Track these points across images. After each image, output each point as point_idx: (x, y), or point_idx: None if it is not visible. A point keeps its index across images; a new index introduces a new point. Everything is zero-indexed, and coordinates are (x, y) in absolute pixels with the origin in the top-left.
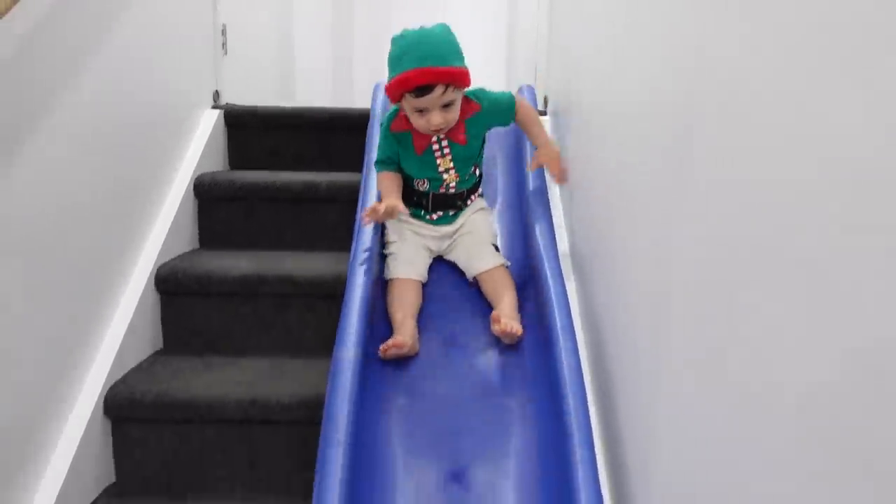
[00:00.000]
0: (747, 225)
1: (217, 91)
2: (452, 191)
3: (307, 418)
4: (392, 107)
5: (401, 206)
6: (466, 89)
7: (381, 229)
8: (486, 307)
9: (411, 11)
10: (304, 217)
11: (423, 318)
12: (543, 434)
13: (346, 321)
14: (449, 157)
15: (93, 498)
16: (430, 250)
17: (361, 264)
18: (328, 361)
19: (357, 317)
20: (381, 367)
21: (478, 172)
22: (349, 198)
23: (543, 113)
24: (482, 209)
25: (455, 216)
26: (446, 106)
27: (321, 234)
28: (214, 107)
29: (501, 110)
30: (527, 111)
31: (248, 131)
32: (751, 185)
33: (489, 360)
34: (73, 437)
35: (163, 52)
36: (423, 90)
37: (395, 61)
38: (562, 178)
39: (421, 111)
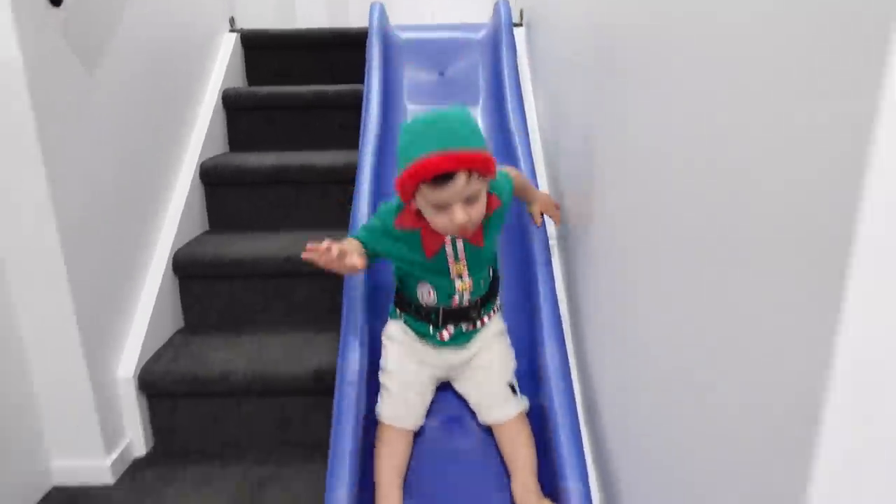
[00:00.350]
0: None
1: (232, 17)
2: (466, 304)
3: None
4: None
5: (360, 264)
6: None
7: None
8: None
9: None
10: (316, 122)
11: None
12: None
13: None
14: (464, 263)
15: (169, 336)
16: (436, 378)
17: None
18: (345, 232)
19: (367, 196)
20: None
21: (491, 273)
22: (353, 104)
23: (519, 24)
24: (500, 333)
25: (470, 336)
26: (470, 199)
27: (330, 134)
28: (231, 31)
29: (509, 196)
30: (520, 179)
31: (262, 51)
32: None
33: None
34: (152, 291)
35: None
36: (443, 179)
37: (405, 150)
38: (558, 216)
39: (441, 207)
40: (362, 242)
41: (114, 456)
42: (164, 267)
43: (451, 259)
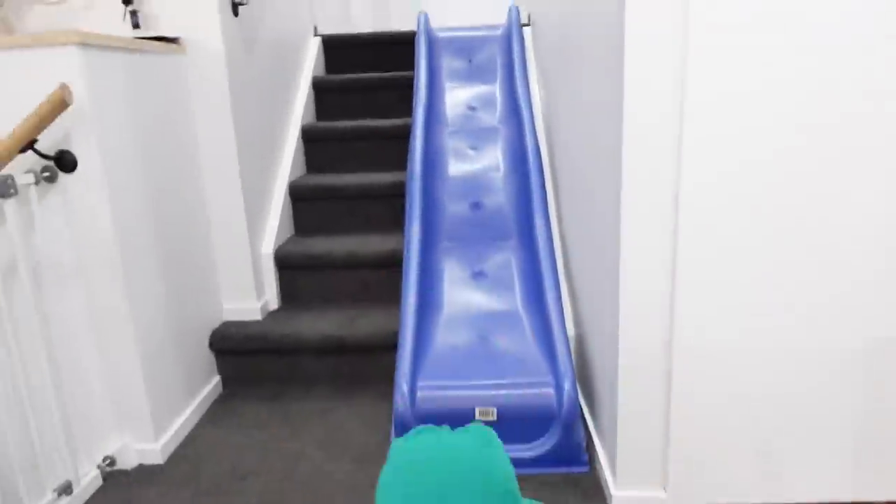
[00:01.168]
0: None
1: (315, 26)
2: None
3: (398, 192)
4: None
5: None
6: None
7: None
8: None
9: None
10: (379, 98)
11: None
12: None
13: (413, 150)
14: None
15: (287, 236)
16: None
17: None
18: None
19: (420, 143)
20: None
21: None
22: (406, 84)
23: (527, 24)
24: None
25: None
26: None
27: (391, 106)
28: (315, 35)
29: None
30: None
31: (337, 50)
32: None
33: None
34: (278, 206)
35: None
36: None
37: None
38: None
39: None
40: None
41: (261, 303)
42: (284, 192)
43: None
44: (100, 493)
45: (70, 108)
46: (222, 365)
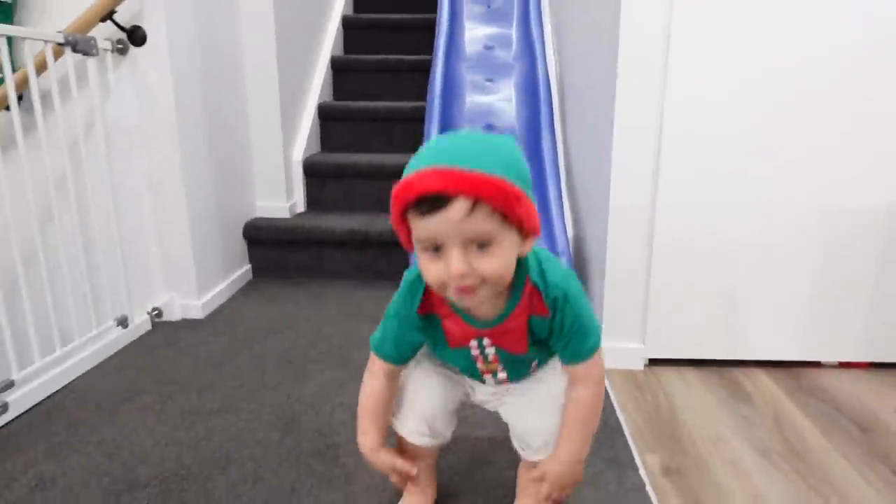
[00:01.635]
0: None
1: None
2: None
3: (419, 116)
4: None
5: (402, 465)
6: (529, 253)
7: None
8: None
9: None
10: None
11: None
12: None
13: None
14: (495, 363)
15: (314, 151)
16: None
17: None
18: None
19: (440, 70)
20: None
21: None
22: (429, 26)
23: None
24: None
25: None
26: (481, 245)
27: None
28: None
29: (573, 340)
30: (588, 386)
31: None
32: None
33: None
34: (308, 122)
35: None
36: (433, 204)
37: (406, 171)
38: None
39: (436, 250)
40: (394, 353)
41: (289, 204)
42: (313, 112)
43: (479, 360)
44: (149, 333)
45: None
46: (253, 255)
